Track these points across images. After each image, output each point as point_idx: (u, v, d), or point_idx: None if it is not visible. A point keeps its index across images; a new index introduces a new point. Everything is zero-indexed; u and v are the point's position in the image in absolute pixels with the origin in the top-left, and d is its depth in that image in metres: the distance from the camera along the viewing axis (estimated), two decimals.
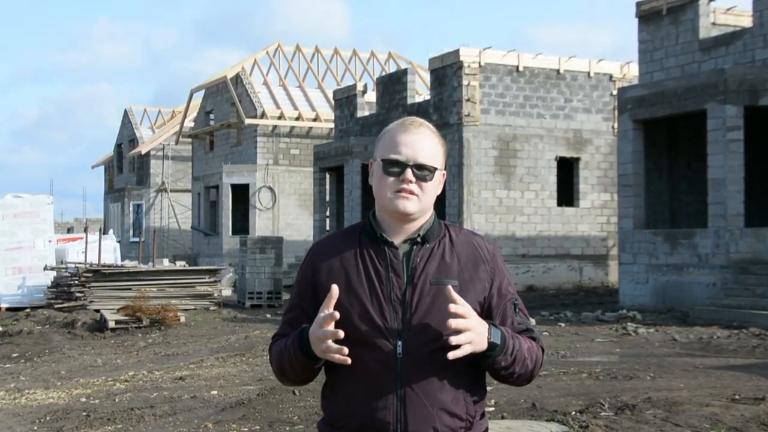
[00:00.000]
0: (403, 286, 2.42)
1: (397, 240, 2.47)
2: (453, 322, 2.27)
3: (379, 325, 2.39)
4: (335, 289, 2.34)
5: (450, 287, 2.33)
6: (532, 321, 2.56)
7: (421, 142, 2.45)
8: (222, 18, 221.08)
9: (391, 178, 2.43)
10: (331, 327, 2.29)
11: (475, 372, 2.45)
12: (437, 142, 2.49)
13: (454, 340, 2.26)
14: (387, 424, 2.38)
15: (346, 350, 2.29)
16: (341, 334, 2.29)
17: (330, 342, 2.30)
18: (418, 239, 2.47)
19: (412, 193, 2.42)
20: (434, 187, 2.47)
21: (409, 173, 2.42)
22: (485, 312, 2.47)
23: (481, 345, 2.33)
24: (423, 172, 2.43)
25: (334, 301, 2.33)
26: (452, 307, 2.27)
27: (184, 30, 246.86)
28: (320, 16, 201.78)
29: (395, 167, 2.43)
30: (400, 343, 2.38)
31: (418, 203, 2.44)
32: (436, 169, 2.45)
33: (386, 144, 2.47)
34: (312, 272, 2.53)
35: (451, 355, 2.27)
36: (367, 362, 2.37)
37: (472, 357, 2.39)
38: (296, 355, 2.42)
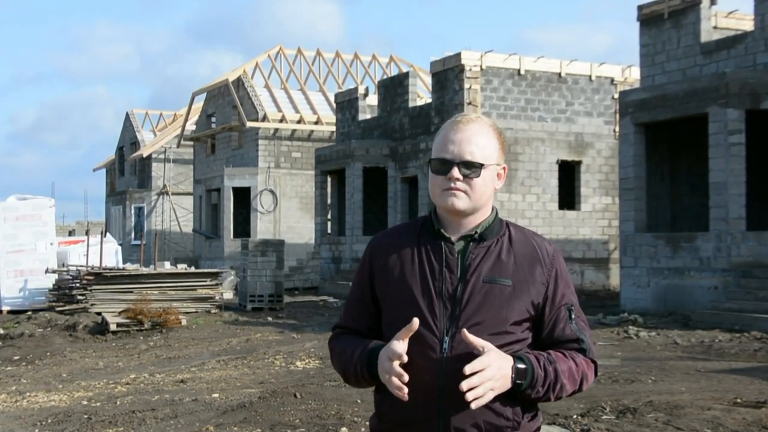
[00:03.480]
0: (455, 282, 2.42)
1: (455, 236, 2.48)
2: (464, 384, 2.26)
3: (428, 319, 2.40)
4: (415, 322, 2.34)
5: (465, 331, 2.33)
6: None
7: (469, 138, 2.45)
8: (214, 21, 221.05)
9: (440, 177, 2.45)
10: (398, 365, 2.32)
11: None
12: (490, 136, 2.48)
13: (470, 395, 2.26)
14: (429, 419, 2.38)
15: (405, 390, 2.31)
16: (406, 377, 2.31)
17: (394, 379, 2.32)
18: (475, 236, 2.47)
19: (459, 189, 2.43)
20: (485, 182, 2.46)
21: (455, 171, 2.43)
22: (538, 315, 2.47)
23: (504, 386, 2.33)
24: (470, 169, 2.43)
25: (410, 333, 2.34)
26: (466, 368, 2.26)
27: (177, 33, 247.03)
28: (313, 19, 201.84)
29: (443, 166, 2.45)
30: (447, 339, 2.38)
31: (468, 200, 2.44)
32: (482, 165, 2.44)
33: (438, 143, 2.50)
34: (370, 263, 2.56)
35: (474, 404, 2.27)
36: (414, 356, 2.36)
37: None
38: (362, 374, 2.45)
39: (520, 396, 2.38)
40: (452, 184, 2.43)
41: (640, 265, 18.10)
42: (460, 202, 2.44)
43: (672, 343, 13.32)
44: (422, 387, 2.36)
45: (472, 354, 2.32)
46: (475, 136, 2.45)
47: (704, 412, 7.61)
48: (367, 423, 7.51)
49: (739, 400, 8.18)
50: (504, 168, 2.52)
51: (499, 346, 2.37)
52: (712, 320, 15.07)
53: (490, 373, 2.28)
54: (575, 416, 7.50)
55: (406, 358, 2.31)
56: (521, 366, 2.35)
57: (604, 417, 7.50)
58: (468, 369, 2.26)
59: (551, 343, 2.49)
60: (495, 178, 2.49)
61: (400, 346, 2.32)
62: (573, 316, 2.50)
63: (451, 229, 2.49)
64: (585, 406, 7.98)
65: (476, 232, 2.47)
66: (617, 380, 9.63)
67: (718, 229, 16.41)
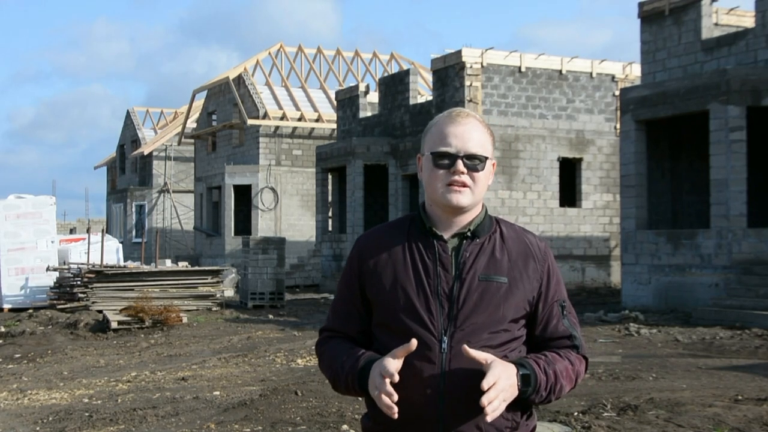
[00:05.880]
0: (450, 280, 2.38)
1: (446, 234, 2.43)
2: (485, 399, 2.22)
3: (425, 319, 2.35)
4: (413, 343, 2.28)
5: (466, 346, 2.28)
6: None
7: (470, 132, 2.40)
8: (209, 19, 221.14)
9: (442, 171, 2.39)
10: (389, 383, 2.27)
11: None
12: (486, 131, 2.45)
13: (489, 410, 2.22)
14: (429, 421, 2.34)
15: (395, 409, 2.26)
16: (395, 397, 2.26)
17: (384, 398, 2.27)
18: (468, 234, 2.42)
19: (464, 185, 2.38)
20: (486, 177, 2.43)
21: (460, 164, 2.38)
22: (532, 310, 2.45)
23: (513, 395, 2.31)
24: (474, 161, 2.39)
25: (407, 353, 2.29)
26: (484, 384, 2.23)
27: (172, 31, 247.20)
28: (307, 16, 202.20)
29: (445, 159, 2.39)
30: (445, 338, 2.34)
31: (471, 195, 2.40)
32: (486, 158, 2.41)
33: (434, 137, 2.43)
34: (359, 264, 2.49)
35: (490, 417, 2.24)
36: (411, 357, 2.32)
37: (518, 357, 2.40)
38: (353, 387, 2.41)
39: (524, 401, 2.36)
40: (456, 178, 2.37)
41: (641, 262, 18.09)
42: (464, 198, 2.39)
43: (673, 340, 13.32)
44: (421, 387, 2.32)
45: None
46: (474, 131, 2.41)
47: (705, 409, 7.61)
48: None
49: (740, 397, 8.18)
50: (494, 163, 2.48)
51: (498, 345, 2.35)
52: (713, 317, 15.07)
53: (502, 385, 2.25)
54: (576, 414, 7.50)
55: (397, 378, 2.25)
56: (525, 373, 2.33)
57: (606, 414, 7.50)
58: (485, 385, 2.22)
59: (544, 339, 2.47)
60: (491, 173, 2.46)
61: (394, 364, 2.27)
62: (565, 312, 2.48)
63: (443, 227, 2.44)
64: (586, 403, 7.98)
65: (469, 230, 2.42)
66: (618, 377, 9.63)
67: (719, 226, 16.40)
